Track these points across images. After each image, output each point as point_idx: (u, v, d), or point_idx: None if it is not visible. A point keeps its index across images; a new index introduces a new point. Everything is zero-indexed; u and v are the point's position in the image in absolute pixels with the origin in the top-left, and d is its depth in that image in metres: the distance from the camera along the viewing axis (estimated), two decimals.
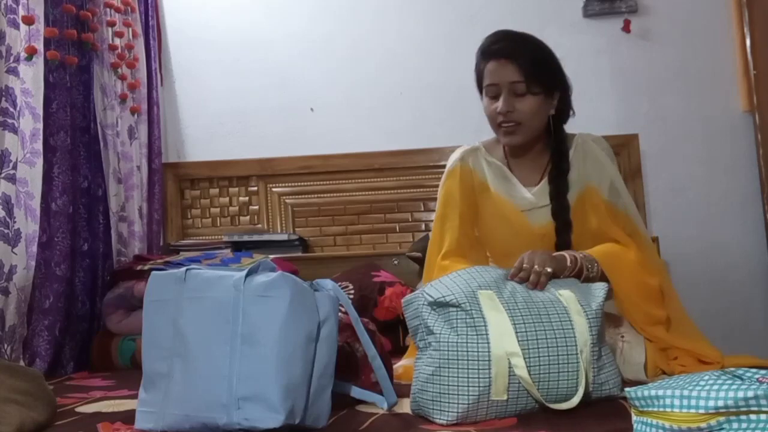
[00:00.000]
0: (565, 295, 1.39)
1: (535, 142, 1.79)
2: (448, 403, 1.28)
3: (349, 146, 2.95)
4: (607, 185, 1.77)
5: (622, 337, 1.61)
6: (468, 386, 1.27)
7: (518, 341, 1.28)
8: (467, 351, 1.29)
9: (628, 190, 1.84)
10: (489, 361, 1.27)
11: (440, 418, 1.28)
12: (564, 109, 1.79)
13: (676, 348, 1.64)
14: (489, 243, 1.85)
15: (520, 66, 1.69)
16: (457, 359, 1.29)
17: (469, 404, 1.27)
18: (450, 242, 1.80)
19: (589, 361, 1.32)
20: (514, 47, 1.72)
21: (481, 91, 1.79)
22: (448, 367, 1.29)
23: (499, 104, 1.70)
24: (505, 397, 1.27)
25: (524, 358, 1.27)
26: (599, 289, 1.44)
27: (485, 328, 1.29)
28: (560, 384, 1.30)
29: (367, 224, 2.96)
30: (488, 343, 1.28)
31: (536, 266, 1.46)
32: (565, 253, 1.62)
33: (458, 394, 1.27)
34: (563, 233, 1.73)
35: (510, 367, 1.27)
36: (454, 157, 1.89)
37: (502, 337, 1.28)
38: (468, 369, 1.28)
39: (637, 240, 1.74)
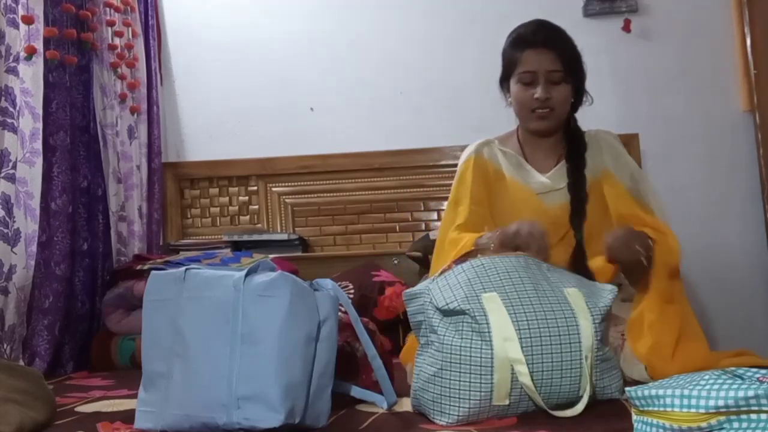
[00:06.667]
0: (573, 293, 1.36)
1: (557, 129, 1.86)
2: (449, 405, 1.27)
3: (348, 146, 2.94)
4: (628, 175, 1.81)
5: (623, 335, 1.61)
6: (470, 390, 1.26)
7: (522, 347, 1.26)
8: (470, 356, 1.27)
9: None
10: (492, 367, 1.26)
11: (440, 420, 1.28)
12: (579, 98, 1.87)
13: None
14: None
15: (559, 56, 1.77)
16: (460, 363, 1.27)
17: (470, 408, 1.26)
18: (461, 218, 1.81)
19: (593, 367, 1.30)
20: (553, 37, 1.80)
21: (506, 79, 1.84)
22: (450, 370, 1.28)
23: (538, 91, 1.77)
24: (507, 402, 1.26)
25: (528, 365, 1.25)
26: (608, 291, 1.41)
27: (489, 334, 1.27)
28: (562, 389, 1.28)
29: (367, 224, 2.95)
30: (492, 348, 1.26)
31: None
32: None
33: (459, 398, 1.26)
34: (578, 208, 1.75)
35: (513, 374, 1.25)
36: (469, 150, 1.92)
37: (506, 343, 1.26)
38: (470, 374, 1.26)
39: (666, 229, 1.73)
